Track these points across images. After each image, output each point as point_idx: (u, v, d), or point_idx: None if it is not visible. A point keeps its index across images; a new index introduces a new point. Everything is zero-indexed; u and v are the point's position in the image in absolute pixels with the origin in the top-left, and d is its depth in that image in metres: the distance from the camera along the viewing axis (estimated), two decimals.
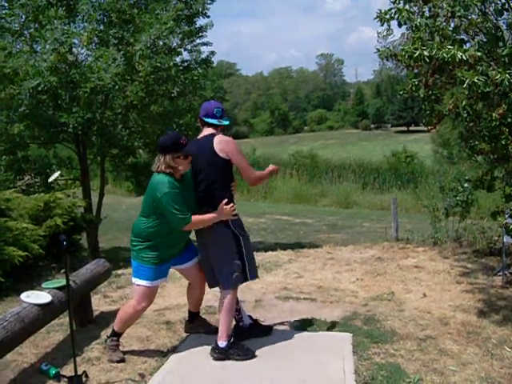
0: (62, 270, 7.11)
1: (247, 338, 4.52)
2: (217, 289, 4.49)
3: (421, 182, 21.33)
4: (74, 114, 9.16)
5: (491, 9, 5.23)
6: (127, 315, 4.39)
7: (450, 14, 5.60)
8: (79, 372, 3.87)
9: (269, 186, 23.35)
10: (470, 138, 6.03)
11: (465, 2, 4.93)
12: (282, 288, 6.27)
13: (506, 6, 5.20)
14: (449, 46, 4.75)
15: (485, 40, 5.16)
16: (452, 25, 5.63)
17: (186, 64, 10.86)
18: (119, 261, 8.64)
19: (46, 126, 9.87)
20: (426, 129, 6.65)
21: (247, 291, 5.60)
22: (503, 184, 5.70)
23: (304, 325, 4.99)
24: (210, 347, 4.31)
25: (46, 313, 4.22)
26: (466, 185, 7.99)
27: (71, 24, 9.67)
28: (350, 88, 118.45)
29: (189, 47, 10.85)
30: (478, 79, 4.47)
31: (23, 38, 9.75)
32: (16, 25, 9.73)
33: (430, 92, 5.80)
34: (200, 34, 10.85)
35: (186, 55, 10.90)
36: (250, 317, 4.72)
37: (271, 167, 4.62)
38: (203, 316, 4.91)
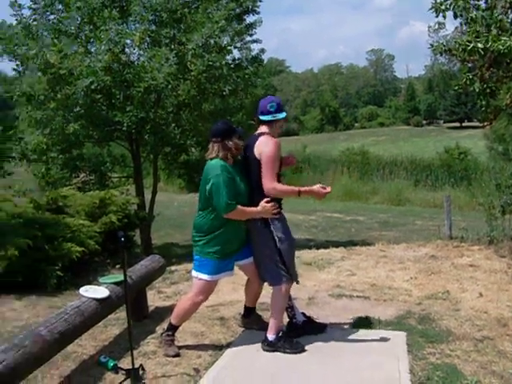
0: (117, 266, 7.28)
1: (300, 334, 4.53)
2: None
3: (475, 179, 20.87)
4: (127, 113, 9.34)
5: None
6: (185, 308, 4.46)
7: (508, 5, 5.46)
8: (136, 365, 3.95)
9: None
10: None
11: None
12: (335, 286, 6.24)
13: None
14: (505, 38, 4.63)
15: None
16: (511, 16, 5.49)
17: (236, 62, 10.92)
18: (171, 257, 8.78)
19: (101, 124, 10.10)
20: (479, 124, 6.52)
21: (300, 288, 5.59)
22: None
23: (358, 323, 4.96)
24: None
25: (104, 307, 4.32)
26: None
27: (124, 25, 9.85)
28: (401, 84, 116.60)
29: (239, 45, 10.91)
30: None
31: (78, 40, 9.99)
32: (72, 27, 9.98)
33: (486, 86, 5.66)
34: (250, 32, 10.90)
35: (236, 53, 10.97)
36: (304, 314, 4.73)
37: (318, 188, 4.35)
38: (258, 312, 4.94)
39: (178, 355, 4.34)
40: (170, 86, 9.35)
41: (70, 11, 9.77)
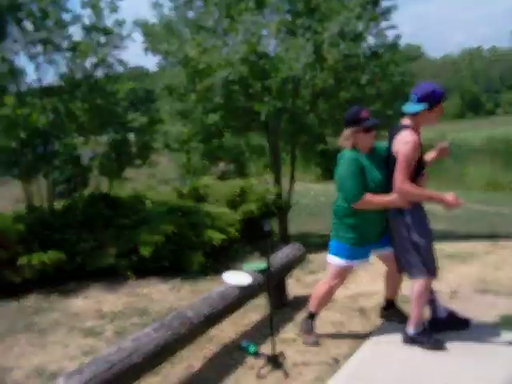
0: (255, 253, 7.44)
1: (442, 330, 4.38)
2: None
3: None
4: (265, 104, 9.48)
5: None
6: (321, 293, 4.48)
7: None
8: (276, 352, 4.02)
9: (460, 173, 22.29)
10: None
11: None
12: (479, 280, 5.93)
13: None
14: None
15: None
16: None
17: (373, 50, 10.70)
18: (308, 246, 8.77)
19: (239, 115, 10.33)
20: None
21: (442, 282, 5.40)
22: None
23: (504, 322, 4.68)
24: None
25: (246, 293, 4.45)
26: None
27: (260, 16, 9.99)
28: None
29: (374, 32, 10.68)
30: None
31: (216, 34, 10.29)
32: (210, 22, 10.30)
33: None
34: (385, 18, 10.63)
35: (371, 40, 10.75)
36: (447, 308, 4.55)
37: (450, 197, 4.07)
38: (398, 305, 4.84)
39: (317, 344, 4.37)
40: (307, 76, 9.36)
41: (208, 6, 10.08)
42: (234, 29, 9.65)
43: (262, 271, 4.62)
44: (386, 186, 4.17)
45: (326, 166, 11.44)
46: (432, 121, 4.16)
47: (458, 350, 4.12)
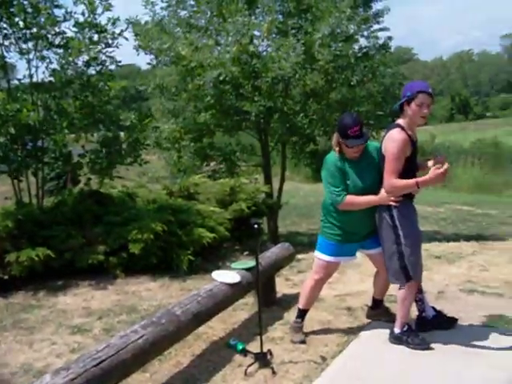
0: (246, 252, 7.46)
1: (429, 329, 4.42)
2: None
3: None
4: (255, 103, 9.50)
5: None
6: (307, 288, 4.54)
7: None
8: (264, 350, 4.04)
9: (448, 175, 22.42)
10: None
11: None
12: (466, 281, 6.00)
13: None
14: None
15: None
16: None
17: (364, 51, 10.76)
18: (297, 246, 8.82)
19: (230, 114, 10.35)
20: None
21: (429, 282, 5.45)
22: None
23: (491, 321, 4.75)
24: None
25: (235, 291, 4.47)
26: None
27: (252, 16, 10.01)
28: None
29: (366, 33, 10.75)
30: None
31: (208, 33, 10.29)
32: (202, 21, 10.31)
33: None
34: (377, 20, 10.70)
35: (363, 41, 10.81)
36: (434, 308, 4.59)
37: (433, 174, 3.97)
38: (386, 304, 4.87)
39: (303, 342, 4.40)
40: (297, 76, 9.40)
41: (200, 5, 10.09)
42: (225, 29, 9.67)
43: (249, 269, 4.64)
44: (377, 188, 4.17)
45: (316, 166, 11.43)
46: (415, 114, 4.06)
47: (444, 349, 4.15)
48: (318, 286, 4.54)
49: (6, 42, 7.09)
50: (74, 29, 7.31)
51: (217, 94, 9.86)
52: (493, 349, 4.14)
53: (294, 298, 5.13)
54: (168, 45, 9.72)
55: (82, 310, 5.42)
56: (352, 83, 9.99)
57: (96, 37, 7.37)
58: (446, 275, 6.23)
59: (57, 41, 7.27)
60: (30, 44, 7.17)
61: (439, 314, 4.60)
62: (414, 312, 4.52)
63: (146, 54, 10.34)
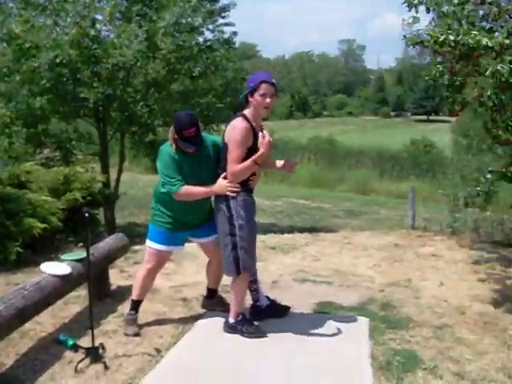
0: (80, 244, 7.16)
1: (263, 318, 4.52)
2: None
3: (439, 172, 21.17)
4: (94, 90, 9.17)
5: None
6: (140, 278, 4.46)
7: (479, 1, 5.49)
8: (96, 344, 3.90)
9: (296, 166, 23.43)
10: (493, 128, 5.95)
11: None
12: (299, 270, 6.25)
13: None
14: (474, 32, 4.67)
15: None
16: (481, 12, 5.54)
17: (208, 44, 10.81)
18: (135, 237, 8.66)
19: (67, 100, 9.90)
20: (446, 119, 6.63)
21: (264, 272, 5.59)
22: None
23: (321, 308, 4.98)
24: None
25: (65, 284, 4.24)
26: (488, 176, 7.88)
27: None
28: (371, 75, 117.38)
29: (211, 27, 10.82)
30: (501, 67, 4.39)
31: (47, 12, 9.75)
32: None
33: (455, 79, 5.73)
34: (223, 14, 10.82)
35: (208, 35, 10.87)
36: (268, 297, 4.71)
37: (261, 145, 4.09)
38: (221, 294, 4.91)
39: (138, 335, 4.31)
40: (138, 64, 9.22)
41: None
42: (64, 9, 9.22)
43: (80, 261, 4.44)
44: (215, 181, 4.17)
45: (155, 157, 11.29)
46: (259, 104, 4.11)
47: (277, 336, 4.27)
48: (150, 275, 4.47)
49: None
50: None
51: (53, 77, 9.38)
52: (323, 335, 4.34)
53: (128, 290, 4.99)
54: None
55: None
56: (194, 74, 9.99)
57: None
58: (281, 265, 6.45)
59: None
60: None
61: (273, 302, 4.72)
62: (249, 301, 4.60)
63: None
